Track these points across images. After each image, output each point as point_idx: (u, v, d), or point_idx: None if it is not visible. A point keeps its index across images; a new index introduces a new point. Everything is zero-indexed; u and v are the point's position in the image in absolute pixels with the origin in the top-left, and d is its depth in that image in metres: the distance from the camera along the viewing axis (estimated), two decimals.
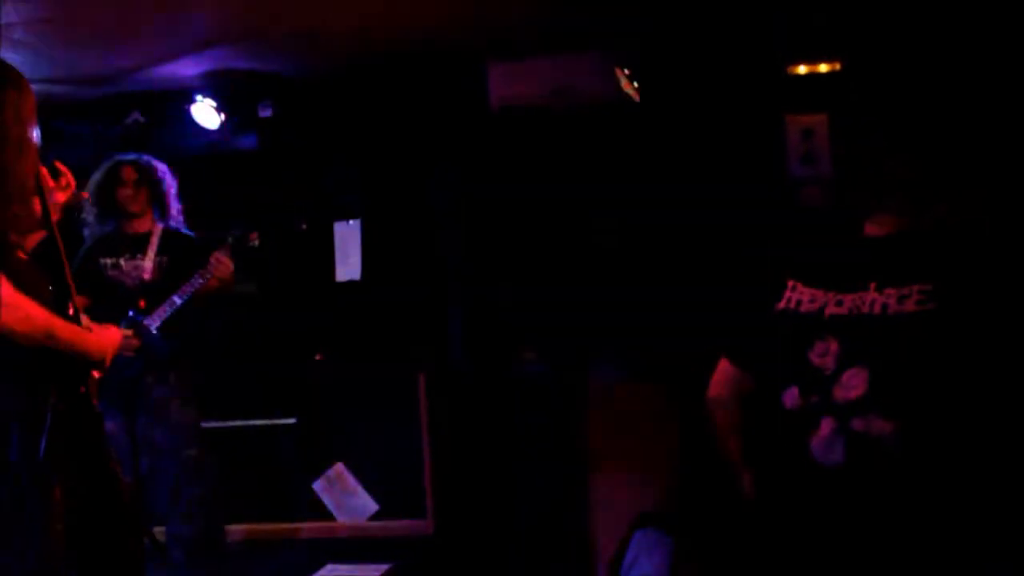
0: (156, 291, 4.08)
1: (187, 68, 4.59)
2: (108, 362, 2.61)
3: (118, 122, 4.80)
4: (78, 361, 2.54)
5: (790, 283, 2.38)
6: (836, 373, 2.23)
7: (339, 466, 4.86)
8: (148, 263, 4.15)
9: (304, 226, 4.51)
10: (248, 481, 4.71)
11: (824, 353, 2.26)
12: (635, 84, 4.46)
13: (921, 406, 2.15)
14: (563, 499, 4.53)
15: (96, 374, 2.59)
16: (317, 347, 4.95)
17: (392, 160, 4.91)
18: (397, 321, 4.89)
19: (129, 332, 3.88)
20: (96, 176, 4.20)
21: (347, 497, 4.84)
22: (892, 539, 2.19)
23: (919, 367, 2.17)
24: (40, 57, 4.21)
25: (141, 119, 4.85)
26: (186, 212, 4.30)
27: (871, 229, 2.36)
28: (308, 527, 4.78)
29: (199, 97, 4.74)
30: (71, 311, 2.61)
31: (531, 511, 4.56)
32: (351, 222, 5.02)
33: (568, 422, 4.55)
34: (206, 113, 4.79)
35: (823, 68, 4.31)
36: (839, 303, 2.29)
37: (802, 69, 4.34)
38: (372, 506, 4.82)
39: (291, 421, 4.84)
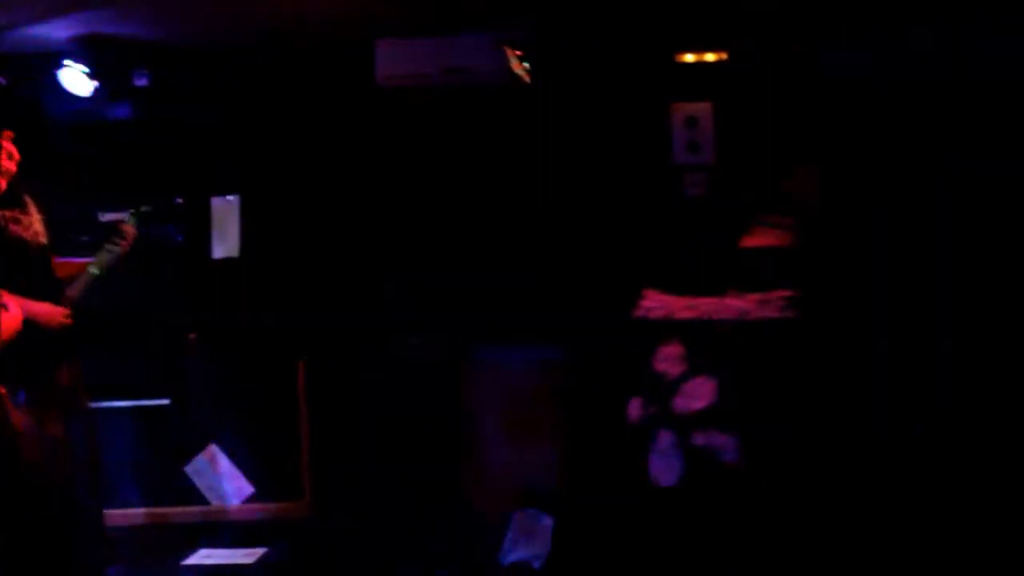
0: (48, 256, 3.77)
1: (57, 31, 4.37)
2: None
3: None
4: None
5: (645, 292, 2.33)
6: (679, 381, 2.14)
7: (212, 448, 4.73)
8: (38, 224, 3.65)
9: (180, 201, 4.35)
10: (118, 465, 4.53)
11: (667, 358, 2.18)
12: (526, 65, 4.45)
13: (769, 423, 2.05)
14: (445, 479, 4.51)
15: None
16: (191, 327, 4.79)
17: (274, 135, 4.78)
18: (276, 301, 4.77)
19: (66, 310, 3.60)
20: None
21: (221, 480, 4.70)
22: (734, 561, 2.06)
23: (773, 380, 2.08)
24: None
25: (3, 82, 4.58)
26: (55, 181, 4.07)
27: (752, 241, 2.31)
28: (180, 511, 4.63)
29: (68, 62, 4.51)
30: None
31: (413, 491, 4.53)
32: (229, 198, 4.87)
33: (451, 403, 4.52)
34: (76, 79, 4.56)
35: (710, 57, 4.38)
36: (691, 307, 2.22)
37: (689, 57, 4.40)
38: (247, 489, 4.70)
39: (164, 403, 4.68)
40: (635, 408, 2.26)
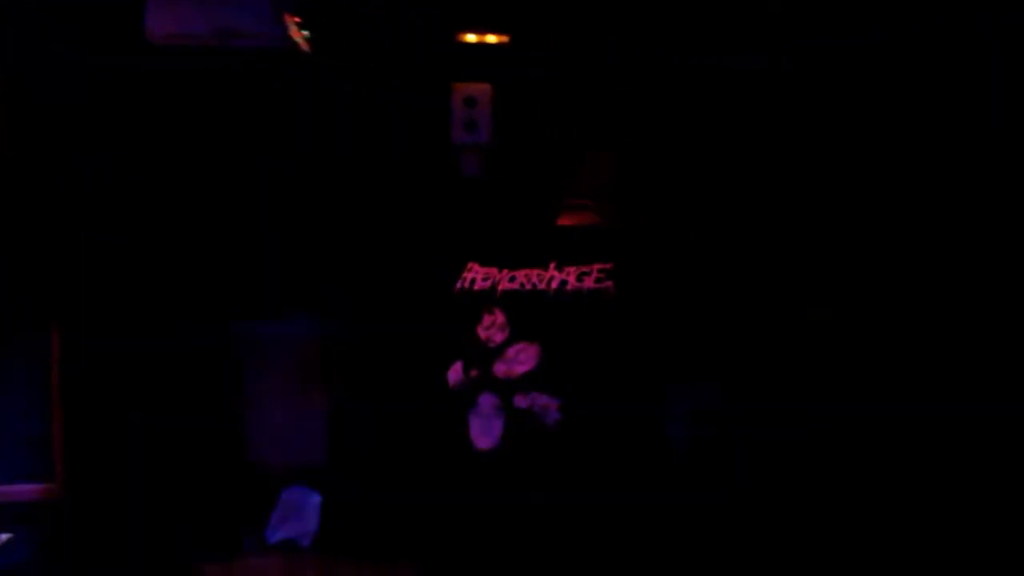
0: None
1: None
2: None
3: None
4: None
5: (469, 264, 2.40)
6: (501, 347, 2.24)
7: None
8: None
9: None
10: None
11: (490, 325, 2.27)
12: (305, 33, 4.34)
13: (587, 385, 2.20)
14: (214, 456, 4.37)
15: None
16: None
17: (31, 89, 4.42)
18: (29, 264, 4.44)
19: None
20: None
21: None
22: (551, 522, 2.17)
23: (591, 345, 2.23)
24: None
25: None
26: None
27: (563, 221, 2.44)
28: None
29: None
30: None
31: (178, 470, 4.37)
32: None
33: (223, 376, 4.38)
34: None
35: (491, 39, 4.43)
36: (512, 279, 2.32)
37: (471, 38, 4.43)
38: None
39: None
40: (455, 373, 2.33)
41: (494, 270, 2.35)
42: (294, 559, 4.30)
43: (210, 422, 4.41)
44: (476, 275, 2.37)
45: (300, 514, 4.45)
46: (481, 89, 4.53)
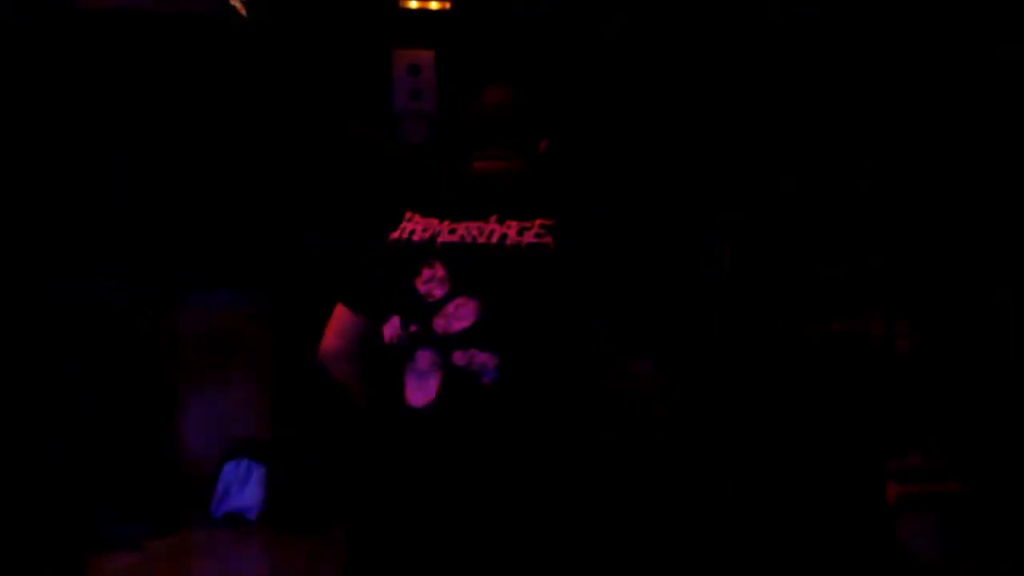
0: None
1: None
2: None
3: None
4: None
5: (407, 214, 2.29)
6: (441, 302, 2.16)
7: None
8: None
9: None
10: None
11: (430, 279, 2.18)
12: None
13: (526, 342, 2.13)
14: (149, 432, 4.31)
15: None
16: None
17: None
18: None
19: None
20: None
21: None
22: (486, 483, 2.12)
23: (529, 302, 2.14)
24: None
25: None
26: None
27: (481, 166, 2.32)
28: None
29: None
30: None
31: (114, 445, 4.30)
32: None
33: (152, 351, 4.30)
34: None
35: (434, 5, 4.36)
36: (452, 231, 2.22)
37: (413, 4, 4.36)
38: None
39: None
40: (392, 328, 2.23)
41: (434, 221, 2.25)
42: (240, 532, 4.28)
43: (147, 396, 4.35)
44: (416, 225, 2.27)
45: (244, 487, 4.43)
46: (425, 56, 4.46)
